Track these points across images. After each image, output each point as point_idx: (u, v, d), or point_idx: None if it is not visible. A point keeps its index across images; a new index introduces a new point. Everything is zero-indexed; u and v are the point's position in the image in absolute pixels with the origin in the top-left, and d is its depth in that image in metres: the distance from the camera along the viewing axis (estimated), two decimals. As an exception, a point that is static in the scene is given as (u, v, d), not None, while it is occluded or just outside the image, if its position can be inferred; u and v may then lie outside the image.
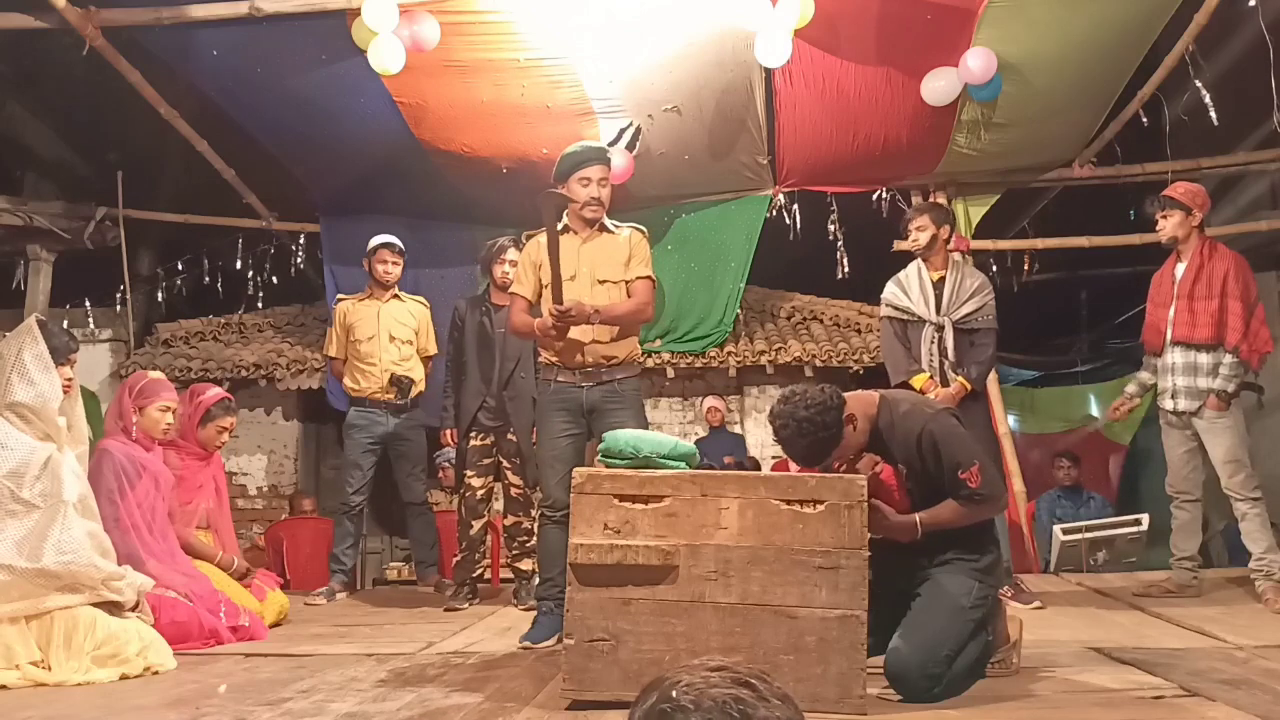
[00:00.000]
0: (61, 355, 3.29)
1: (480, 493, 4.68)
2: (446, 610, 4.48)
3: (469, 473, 4.66)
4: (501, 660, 3.29)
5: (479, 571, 4.76)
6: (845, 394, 2.87)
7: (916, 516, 2.78)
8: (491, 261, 4.70)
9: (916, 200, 6.34)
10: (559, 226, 3.63)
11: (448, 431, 4.86)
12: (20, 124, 7.83)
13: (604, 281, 3.61)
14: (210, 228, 7.78)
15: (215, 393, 4.31)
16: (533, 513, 4.48)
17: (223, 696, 2.81)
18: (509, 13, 5.08)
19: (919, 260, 4.44)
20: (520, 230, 4.92)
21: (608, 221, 3.71)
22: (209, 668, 3.24)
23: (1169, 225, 4.23)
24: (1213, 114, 5.24)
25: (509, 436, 4.63)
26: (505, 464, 4.67)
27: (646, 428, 3.47)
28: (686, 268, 7.01)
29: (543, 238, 3.65)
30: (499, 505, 4.94)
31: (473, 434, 4.66)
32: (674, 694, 1.01)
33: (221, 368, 7.87)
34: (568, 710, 2.55)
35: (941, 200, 6.38)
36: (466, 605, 4.55)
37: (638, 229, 3.76)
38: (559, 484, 3.53)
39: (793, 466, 7.54)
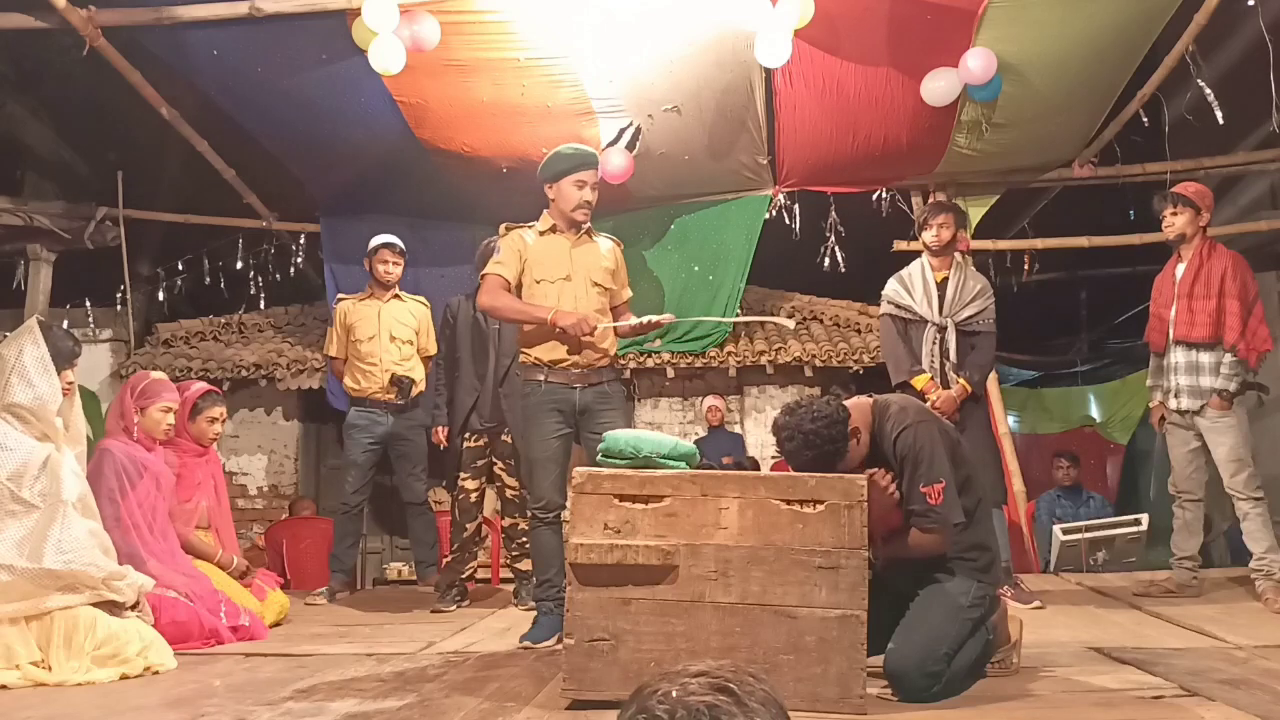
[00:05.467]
0: (65, 360, 3.29)
1: (474, 495, 4.68)
2: (434, 612, 4.46)
3: (462, 475, 4.65)
4: (501, 660, 3.28)
5: (468, 573, 4.76)
6: (846, 403, 2.84)
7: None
8: (487, 258, 4.68)
9: (935, 198, 6.33)
10: (547, 226, 3.64)
11: (439, 430, 4.86)
12: (20, 124, 7.84)
13: (596, 285, 3.61)
14: (210, 228, 7.79)
15: (200, 386, 4.32)
16: (528, 514, 4.47)
17: (223, 696, 2.81)
18: (509, 12, 5.08)
19: (923, 259, 4.43)
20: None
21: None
22: (209, 668, 3.24)
23: (1179, 222, 4.21)
24: (1216, 113, 5.24)
25: (503, 438, 4.62)
26: (500, 465, 4.67)
27: (632, 427, 3.46)
28: (686, 268, 7.02)
29: (527, 233, 3.63)
30: (496, 506, 4.93)
31: (466, 435, 4.65)
32: (650, 704, 1.02)
33: (221, 368, 7.88)
34: (568, 710, 2.55)
35: (942, 200, 6.39)
36: (454, 608, 4.54)
37: (617, 240, 3.78)
38: (552, 485, 3.52)
39: (793, 467, 7.50)
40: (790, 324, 4.01)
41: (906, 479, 2.74)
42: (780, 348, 7.81)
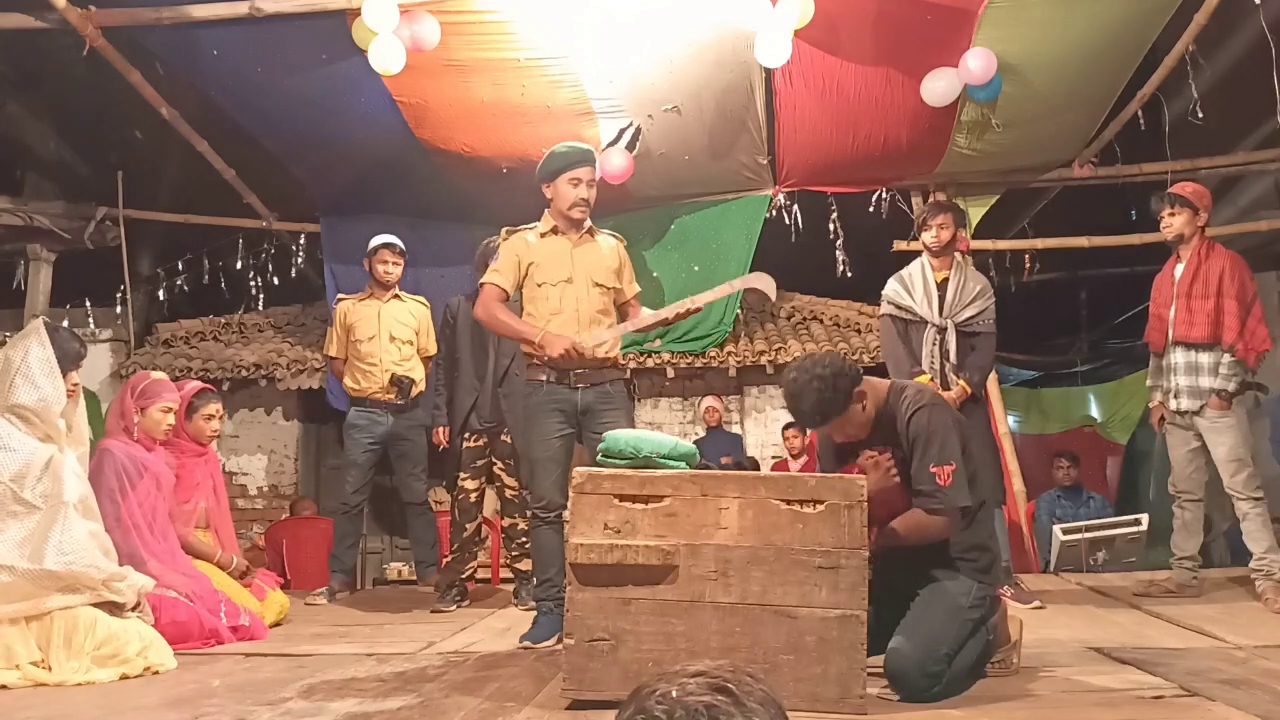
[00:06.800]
0: (71, 362, 3.30)
1: (473, 495, 4.68)
2: (433, 612, 4.47)
3: (462, 475, 4.65)
4: (501, 660, 3.29)
5: (468, 573, 4.76)
6: (864, 378, 2.84)
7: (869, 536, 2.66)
8: (488, 258, 4.68)
9: (935, 198, 6.33)
10: (548, 227, 3.64)
11: (440, 430, 4.86)
12: (20, 124, 7.83)
13: (599, 285, 3.61)
14: (210, 228, 7.80)
15: (194, 384, 4.33)
16: (528, 514, 4.47)
17: (223, 696, 2.81)
18: (509, 12, 5.08)
19: (924, 259, 4.43)
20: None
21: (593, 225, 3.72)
22: (209, 668, 3.24)
23: (1176, 223, 4.20)
24: (1200, 115, 5.26)
25: (503, 438, 4.62)
26: (499, 465, 4.67)
27: (634, 427, 3.46)
28: (687, 268, 7.02)
29: (529, 235, 3.64)
30: (496, 506, 4.93)
31: (466, 435, 4.65)
32: (649, 704, 1.02)
33: (221, 368, 7.88)
34: (568, 710, 2.55)
35: (942, 200, 6.39)
36: (454, 607, 4.54)
37: (620, 238, 3.78)
38: (553, 485, 3.52)
39: (793, 466, 7.54)
40: (770, 285, 3.82)
41: (917, 458, 2.73)
42: (780, 347, 7.81)
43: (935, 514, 2.72)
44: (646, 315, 3.61)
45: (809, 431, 7.33)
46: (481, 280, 3.70)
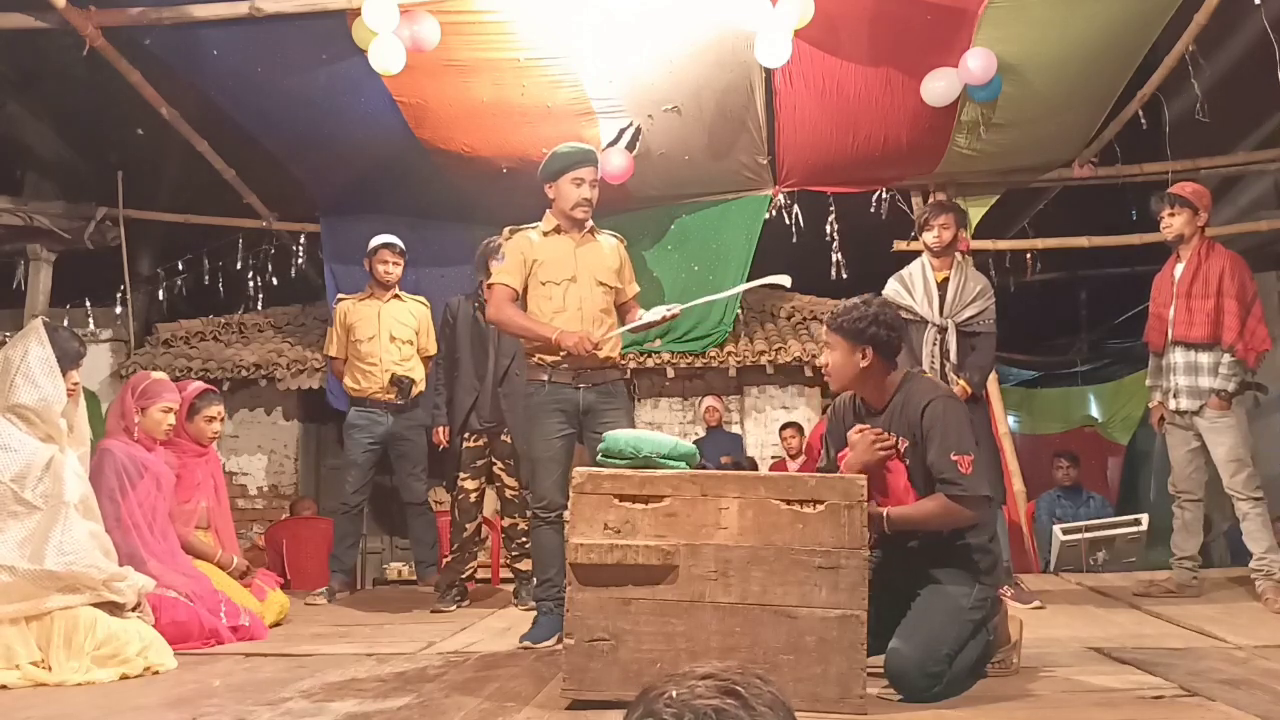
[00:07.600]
0: (71, 361, 3.30)
1: (473, 495, 4.68)
2: (434, 612, 4.47)
3: (462, 475, 4.65)
4: (501, 660, 3.29)
5: (468, 573, 4.76)
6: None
7: (885, 511, 2.71)
8: (488, 257, 4.67)
9: (935, 198, 6.32)
10: (551, 226, 3.65)
11: (440, 430, 4.86)
12: (20, 124, 7.83)
13: (602, 284, 3.62)
14: (210, 228, 7.80)
15: (196, 385, 4.33)
16: (528, 514, 4.47)
17: (223, 696, 2.81)
18: (509, 12, 5.09)
19: (924, 259, 4.42)
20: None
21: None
22: (209, 668, 3.24)
23: (1176, 223, 4.20)
24: (1201, 114, 5.25)
25: (503, 438, 4.62)
26: (499, 465, 4.67)
27: (635, 427, 3.46)
28: (687, 268, 7.02)
29: (532, 234, 3.65)
30: (496, 506, 4.93)
31: (466, 435, 4.65)
32: (657, 707, 1.01)
33: (221, 368, 7.88)
34: (568, 710, 2.55)
35: (943, 200, 6.38)
36: (454, 607, 4.54)
37: (620, 238, 3.79)
38: (554, 485, 3.52)
39: (791, 466, 7.52)
40: (786, 281, 3.95)
41: (935, 445, 2.72)
42: (780, 347, 7.81)
43: (959, 502, 2.71)
44: (642, 316, 3.61)
45: (807, 432, 7.35)
46: (490, 282, 3.71)
